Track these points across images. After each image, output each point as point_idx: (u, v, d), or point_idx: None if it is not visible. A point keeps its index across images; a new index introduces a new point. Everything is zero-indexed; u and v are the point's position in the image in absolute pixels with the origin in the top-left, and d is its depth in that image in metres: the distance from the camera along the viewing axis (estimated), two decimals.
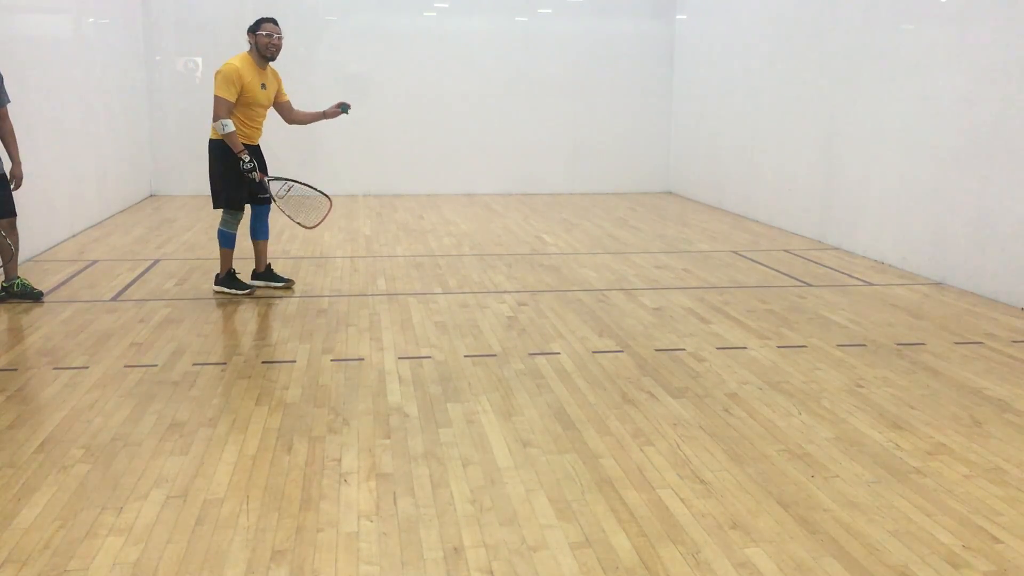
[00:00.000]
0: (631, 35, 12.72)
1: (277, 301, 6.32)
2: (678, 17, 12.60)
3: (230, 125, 6.08)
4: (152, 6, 11.64)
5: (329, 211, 6.40)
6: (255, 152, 6.42)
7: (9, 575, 2.80)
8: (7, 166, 6.09)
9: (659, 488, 3.42)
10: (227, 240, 6.42)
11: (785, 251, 8.39)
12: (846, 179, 8.43)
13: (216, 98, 6.08)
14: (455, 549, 2.97)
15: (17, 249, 6.15)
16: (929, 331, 5.67)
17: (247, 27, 6.35)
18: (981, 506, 3.30)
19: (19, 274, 6.25)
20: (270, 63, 6.37)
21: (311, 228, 6.45)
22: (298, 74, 12.16)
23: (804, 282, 7.06)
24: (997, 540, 3.06)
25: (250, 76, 6.20)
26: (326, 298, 6.45)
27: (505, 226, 9.77)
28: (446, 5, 12.45)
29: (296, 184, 6.40)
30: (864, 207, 8.13)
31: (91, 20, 9.83)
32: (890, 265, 7.69)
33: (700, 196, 12.01)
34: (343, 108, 6.51)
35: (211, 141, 6.29)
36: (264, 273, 6.67)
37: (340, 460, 3.66)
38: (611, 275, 7.26)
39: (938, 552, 2.97)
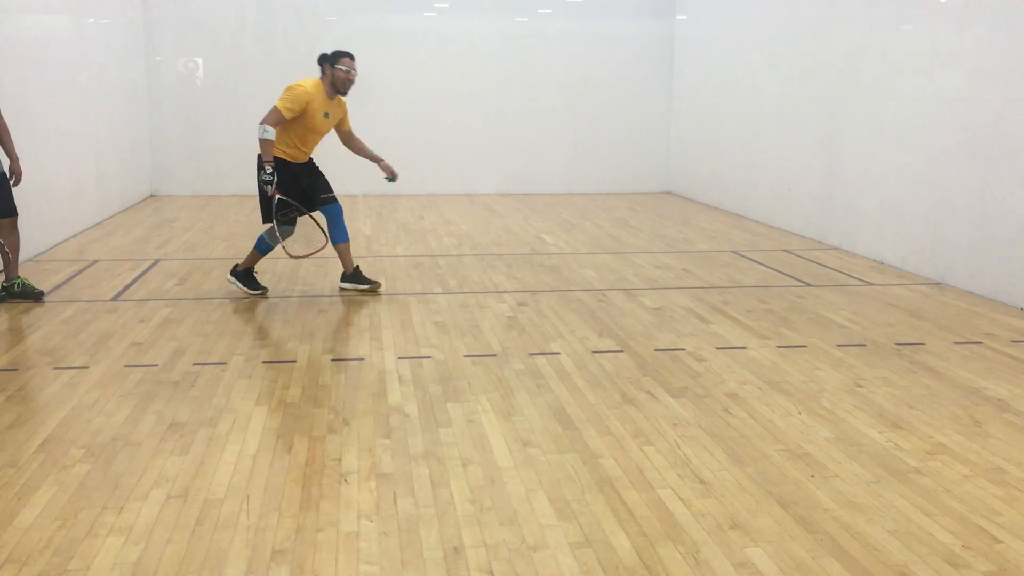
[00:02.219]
0: (631, 35, 12.72)
1: (277, 301, 6.32)
2: (678, 17, 12.60)
3: (271, 132, 5.96)
4: (152, 6, 11.64)
5: (318, 250, 6.35)
6: (306, 168, 6.34)
7: (9, 575, 2.80)
8: (5, 164, 6.09)
9: (659, 488, 3.42)
10: (262, 246, 6.35)
11: (785, 251, 8.39)
12: (846, 179, 8.43)
13: (274, 107, 5.99)
14: (455, 549, 2.97)
15: (18, 249, 6.16)
16: (929, 331, 5.67)
17: (322, 54, 6.23)
18: (981, 506, 3.30)
19: (19, 274, 6.25)
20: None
21: (293, 256, 6.33)
22: (299, 74, 12.15)
23: (804, 282, 7.06)
24: (997, 540, 3.06)
25: (317, 103, 6.13)
26: (326, 298, 6.45)
27: (505, 226, 9.77)
28: (446, 5, 12.45)
29: (305, 217, 6.29)
30: (864, 207, 8.13)
31: (91, 20, 9.83)
32: (890, 265, 7.69)
33: (700, 196, 12.01)
34: (390, 177, 6.54)
35: (260, 154, 6.20)
36: (352, 275, 6.58)
37: (340, 460, 3.66)
38: (611, 275, 7.26)
39: (938, 552, 2.97)
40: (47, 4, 8.68)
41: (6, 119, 6.06)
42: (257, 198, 6.26)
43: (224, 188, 12.09)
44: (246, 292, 6.42)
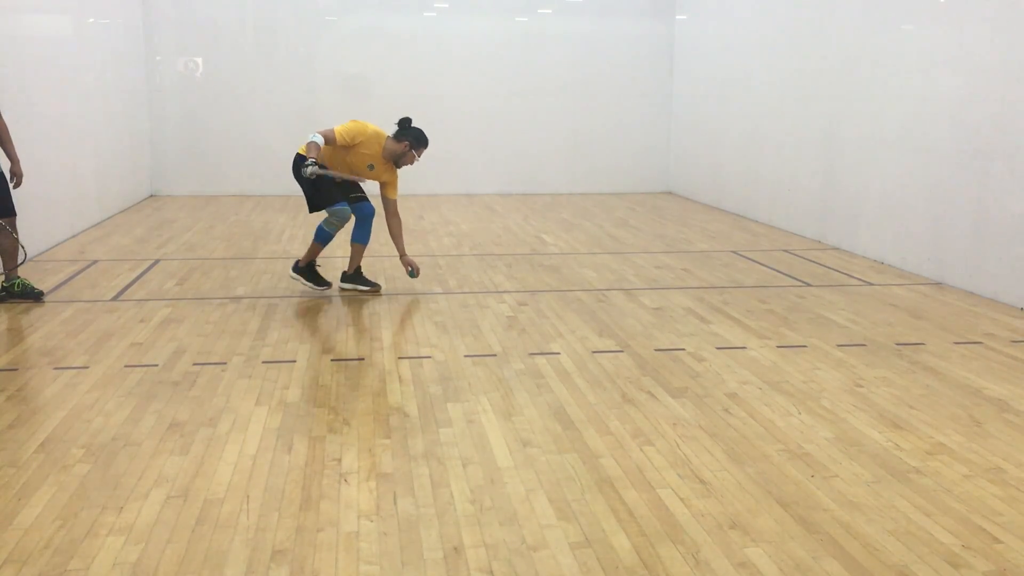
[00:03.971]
0: (631, 35, 12.72)
1: (278, 301, 6.32)
2: (678, 17, 12.60)
3: (318, 138, 6.06)
4: (152, 6, 11.64)
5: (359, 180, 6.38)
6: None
7: (9, 575, 2.80)
8: (5, 165, 6.09)
9: (659, 488, 3.42)
10: (322, 236, 6.42)
11: (785, 251, 8.39)
12: (846, 179, 8.43)
13: (333, 129, 6.19)
14: (455, 549, 2.97)
15: (17, 249, 6.15)
16: (929, 331, 5.67)
17: (408, 124, 6.40)
18: (981, 506, 3.30)
19: (19, 274, 6.25)
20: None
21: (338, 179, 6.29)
22: (298, 74, 12.20)
23: (804, 282, 7.06)
24: (997, 540, 3.06)
25: (368, 150, 6.29)
26: (326, 298, 6.45)
27: (505, 226, 9.77)
28: (446, 5, 12.45)
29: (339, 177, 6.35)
30: (864, 207, 8.13)
31: (91, 20, 9.83)
32: (890, 265, 7.69)
33: (700, 196, 12.01)
34: (411, 272, 6.62)
35: (296, 155, 6.29)
36: (353, 276, 6.62)
37: (340, 460, 3.66)
38: (611, 275, 7.26)
39: (938, 552, 2.97)
40: (47, 4, 8.68)
41: (7, 120, 6.05)
42: (302, 196, 6.44)
43: (224, 188, 12.09)
44: (311, 287, 6.48)
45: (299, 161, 6.23)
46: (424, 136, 6.40)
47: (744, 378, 4.72)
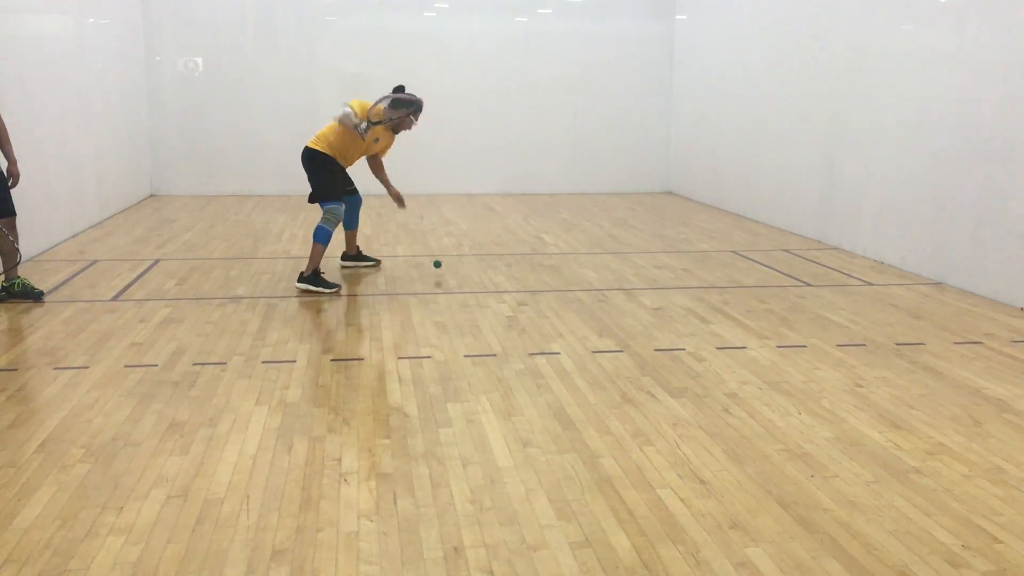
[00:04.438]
0: (631, 35, 12.71)
1: (277, 301, 6.32)
2: (678, 17, 12.60)
3: (350, 108, 6.52)
4: (152, 6, 11.64)
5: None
6: (343, 170, 6.94)
7: (9, 575, 2.80)
8: (3, 165, 6.08)
9: (659, 488, 3.42)
10: (324, 237, 6.60)
11: (785, 251, 8.39)
12: (846, 179, 8.43)
13: (354, 110, 6.53)
14: (455, 549, 2.97)
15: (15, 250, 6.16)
16: (929, 331, 5.67)
17: (401, 90, 6.77)
18: (981, 506, 3.30)
19: (19, 274, 6.24)
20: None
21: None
22: (298, 74, 12.20)
23: (804, 282, 7.06)
24: (996, 540, 3.06)
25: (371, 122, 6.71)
26: (326, 298, 6.45)
27: (505, 226, 9.77)
28: (446, 5, 12.45)
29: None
30: (864, 207, 8.13)
31: (91, 20, 9.83)
32: (890, 265, 7.69)
33: (700, 196, 12.01)
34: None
35: (304, 150, 6.74)
36: (355, 255, 7.40)
37: (340, 460, 3.66)
38: (611, 275, 7.26)
39: (938, 552, 2.98)
40: (47, 4, 8.68)
41: (5, 121, 6.05)
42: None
43: (224, 188, 12.09)
44: (322, 291, 6.53)
45: (309, 154, 6.69)
46: (420, 101, 6.76)
47: (744, 378, 4.72)
